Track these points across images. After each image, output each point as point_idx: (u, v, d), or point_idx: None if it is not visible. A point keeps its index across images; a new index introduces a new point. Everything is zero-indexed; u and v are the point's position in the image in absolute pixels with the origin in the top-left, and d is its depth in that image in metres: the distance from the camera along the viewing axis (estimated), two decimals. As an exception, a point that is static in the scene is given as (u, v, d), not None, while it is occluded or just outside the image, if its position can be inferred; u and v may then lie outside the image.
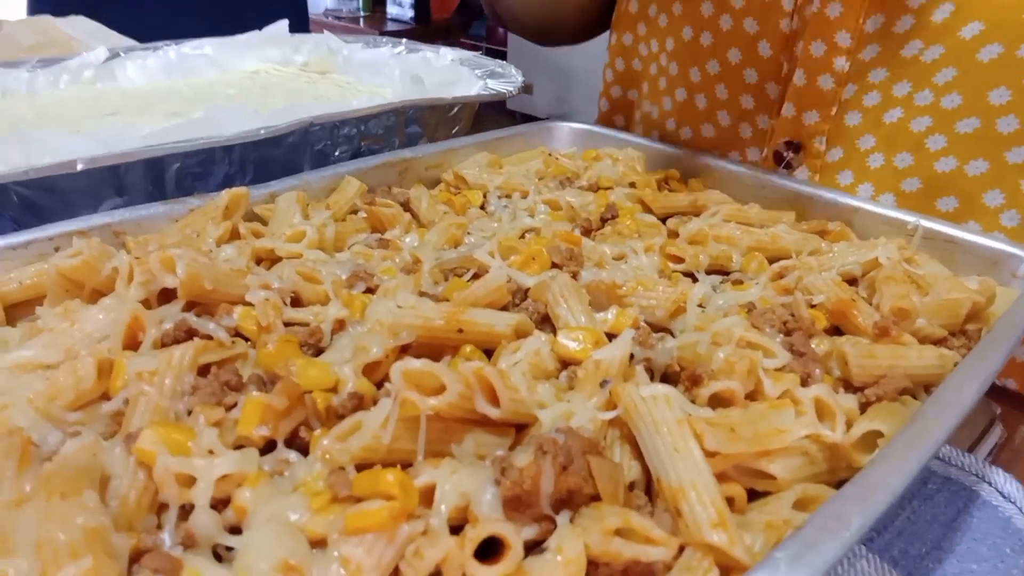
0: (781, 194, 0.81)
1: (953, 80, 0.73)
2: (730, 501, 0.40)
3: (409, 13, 5.91)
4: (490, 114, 1.16)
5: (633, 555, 0.34)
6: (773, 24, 0.83)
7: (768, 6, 0.82)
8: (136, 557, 0.34)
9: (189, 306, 0.50)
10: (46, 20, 1.94)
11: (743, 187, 0.83)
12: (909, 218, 0.72)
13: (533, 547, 0.36)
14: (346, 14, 6.06)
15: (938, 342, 0.58)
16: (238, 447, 0.40)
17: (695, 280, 0.64)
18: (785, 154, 0.84)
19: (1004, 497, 0.59)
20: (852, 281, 0.65)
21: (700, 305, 0.58)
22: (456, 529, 0.36)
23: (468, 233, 0.69)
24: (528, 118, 1.19)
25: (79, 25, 1.86)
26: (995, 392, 0.74)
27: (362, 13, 6.20)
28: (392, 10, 6.03)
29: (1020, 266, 0.66)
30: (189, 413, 0.41)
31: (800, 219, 0.77)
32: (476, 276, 0.59)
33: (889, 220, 0.74)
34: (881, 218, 0.74)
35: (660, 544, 0.34)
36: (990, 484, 0.60)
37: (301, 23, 2.10)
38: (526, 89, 1.05)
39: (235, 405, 0.41)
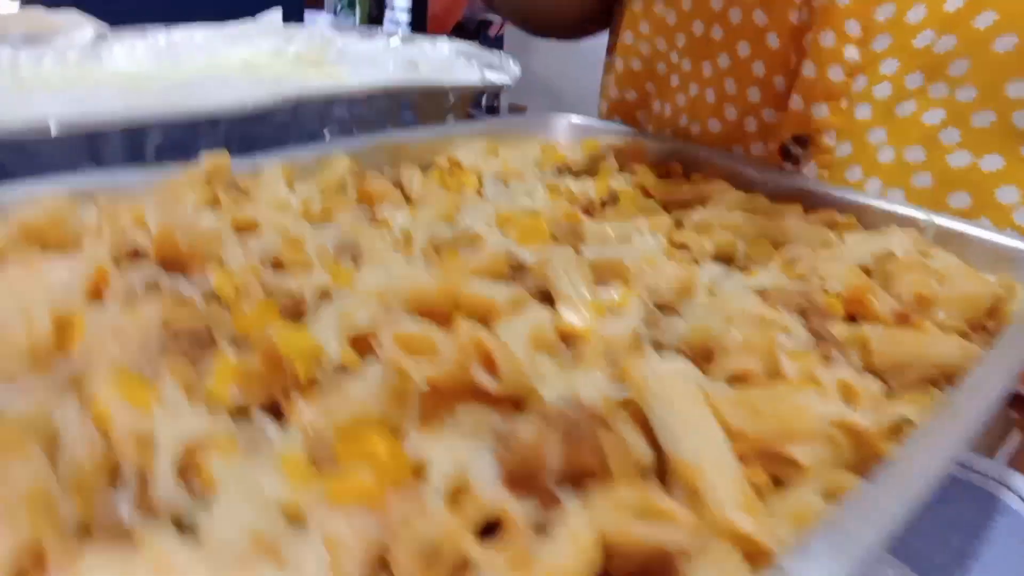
0: (786, 190, 0.78)
1: (967, 72, 0.70)
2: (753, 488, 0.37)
3: (406, 32, 5.91)
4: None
5: (654, 537, 0.30)
6: (782, 15, 0.80)
7: None
8: (87, 525, 0.29)
9: (162, 268, 0.46)
10: (38, 12, 1.90)
11: (747, 182, 0.80)
12: (920, 214, 0.70)
13: (537, 529, 0.32)
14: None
15: (957, 336, 0.55)
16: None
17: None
18: (792, 149, 0.81)
19: (1027, 503, 0.56)
20: (865, 273, 0.61)
21: (710, 291, 0.55)
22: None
23: (462, 214, 0.65)
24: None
25: (72, 19, 1.82)
26: (1010, 400, 0.71)
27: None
28: (389, 29, 6.03)
29: (1038, 263, 0.63)
30: (155, 373, 0.37)
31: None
32: (472, 252, 0.56)
33: (899, 217, 0.71)
34: (891, 215, 0.71)
35: (684, 524, 0.30)
36: (1010, 489, 0.57)
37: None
38: (519, 108, 1.02)
39: (206, 366, 0.37)
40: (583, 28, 1.14)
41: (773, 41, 0.82)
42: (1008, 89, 0.68)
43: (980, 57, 0.69)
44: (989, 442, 0.62)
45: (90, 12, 1.82)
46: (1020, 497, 0.56)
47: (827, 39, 0.75)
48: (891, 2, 0.72)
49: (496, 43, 5.07)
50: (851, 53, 0.74)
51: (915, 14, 0.71)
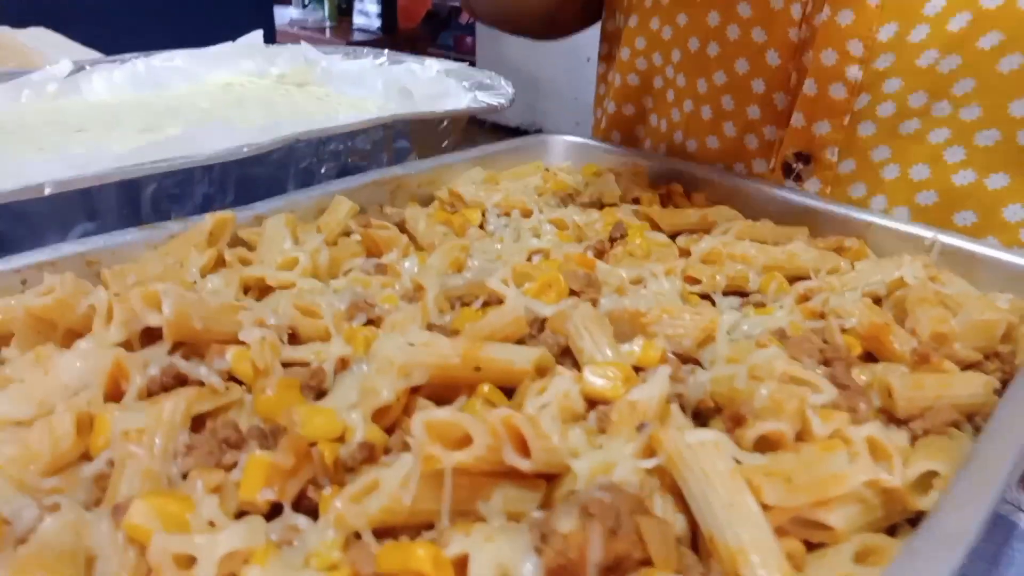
0: (790, 208, 0.77)
1: (972, 91, 0.70)
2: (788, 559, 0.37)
3: (376, 23, 5.85)
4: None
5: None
6: (782, 33, 0.80)
7: (776, 15, 0.79)
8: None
9: (175, 347, 0.45)
10: (5, 32, 1.86)
11: (749, 201, 0.80)
12: (926, 233, 0.69)
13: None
14: (312, 24, 6.00)
15: (971, 366, 0.55)
16: (240, 514, 0.35)
17: (712, 302, 0.61)
18: (794, 165, 0.81)
19: (1044, 528, 0.56)
20: (876, 301, 0.61)
21: (728, 334, 0.54)
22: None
23: (470, 256, 0.65)
24: (498, 127, 1.15)
25: (41, 37, 1.78)
26: None
27: (328, 23, 6.14)
28: (358, 20, 5.97)
29: (1047, 283, 0.63)
30: (184, 476, 0.36)
31: (811, 235, 0.74)
32: (486, 304, 0.55)
33: (905, 235, 0.71)
34: (896, 233, 0.71)
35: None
36: (1026, 514, 0.57)
37: (268, 35, 2.05)
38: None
39: (235, 465, 0.37)
40: (562, 28, 1.13)
41: (773, 58, 0.81)
42: (1013, 108, 0.68)
43: (985, 77, 0.69)
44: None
45: (58, 31, 1.79)
46: (1039, 524, 0.56)
47: (828, 57, 0.75)
48: (894, 22, 0.71)
49: (468, 29, 5.02)
50: (853, 72, 0.74)
51: (918, 33, 0.71)
